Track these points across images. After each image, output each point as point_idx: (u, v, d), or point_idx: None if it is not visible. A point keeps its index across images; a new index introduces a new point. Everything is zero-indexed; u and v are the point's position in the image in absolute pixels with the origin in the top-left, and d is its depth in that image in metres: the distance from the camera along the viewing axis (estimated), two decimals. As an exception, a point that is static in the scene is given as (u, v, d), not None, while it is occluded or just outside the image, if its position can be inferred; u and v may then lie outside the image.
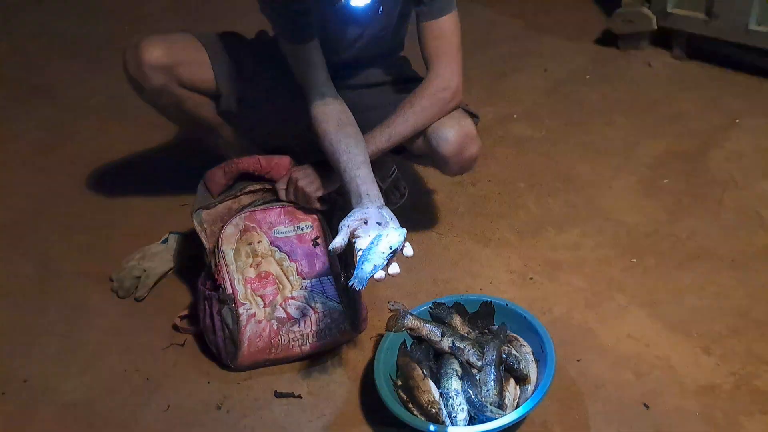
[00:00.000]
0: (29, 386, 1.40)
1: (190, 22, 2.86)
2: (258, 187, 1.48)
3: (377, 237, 1.10)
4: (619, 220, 1.70)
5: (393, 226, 1.15)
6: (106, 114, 2.28)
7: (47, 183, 2.01)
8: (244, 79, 1.58)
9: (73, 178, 1.99)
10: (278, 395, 1.33)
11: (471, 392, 1.19)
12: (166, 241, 1.66)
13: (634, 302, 1.47)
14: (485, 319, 1.36)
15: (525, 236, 1.68)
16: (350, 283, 1.07)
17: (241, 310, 1.36)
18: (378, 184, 1.69)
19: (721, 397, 1.25)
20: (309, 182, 1.42)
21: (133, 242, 1.68)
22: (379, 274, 1.08)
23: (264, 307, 1.38)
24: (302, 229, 1.44)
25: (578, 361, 1.34)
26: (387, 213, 1.19)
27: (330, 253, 1.41)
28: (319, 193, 1.42)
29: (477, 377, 1.22)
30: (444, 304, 1.37)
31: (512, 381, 1.25)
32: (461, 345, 1.25)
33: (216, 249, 1.40)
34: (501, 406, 1.20)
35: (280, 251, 1.42)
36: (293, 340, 1.37)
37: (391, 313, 1.31)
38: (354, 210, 1.21)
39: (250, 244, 1.41)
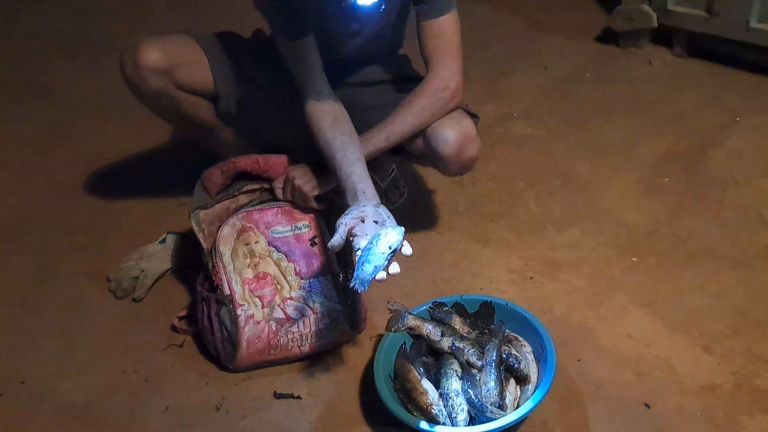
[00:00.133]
0: (27, 387, 1.40)
1: (189, 21, 2.85)
2: (256, 186, 1.47)
3: (376, 236, 1.09)
4: (619, 220, 1.69)
5: (390, 224, 1.15)
6: (105, 113, 2.28)
7: (45, 183, 2.00)
8: (243, 80, 1.57)
9: (72, 177, 1.99)
10: (277, 396, 1.33)
11: (471, 392, 1.18)
12: (164, 241, 1.65)
13: (635, 302, 1.46)
14: (485, 319, 1.35)
15: (525, 236, 1.67)
16: (351, 285, 1.07)
17: (239, 311, 1.35)
18: (377, 184, 1.70)
19: (721, 397, 1.25)
20: (306, 181, 1.42)
21: (131, 242, 1.68)
22: (381, 275, 1.08)
23: (262, 308, 1.37)
24: (300, 228, 1.44)
25: (578, 360, 1.34)
26: (384, 211, 1.19)
27: (328, 251, 1.40)
28: (317, 192, 1.42)
29: (477, 377, 1.22)
30: (444, 303, 1.36)
31: (512, 381, 1.25)
32: (461, 345, 1.25)
33: (213, 250, 1.39)
34: (501, 406, 1.19)
35: (278, 251, 1.41)
36: (292, 341, 1.36)
37: (391, 313, 1.30)
38: (350, 208, 1.20)
39: (247, 244, 1.40)
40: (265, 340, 1.35)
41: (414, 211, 1.75)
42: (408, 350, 1.31)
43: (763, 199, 1.70)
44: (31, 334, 1.52)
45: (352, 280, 1.07)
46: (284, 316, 1.37)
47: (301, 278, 1.40)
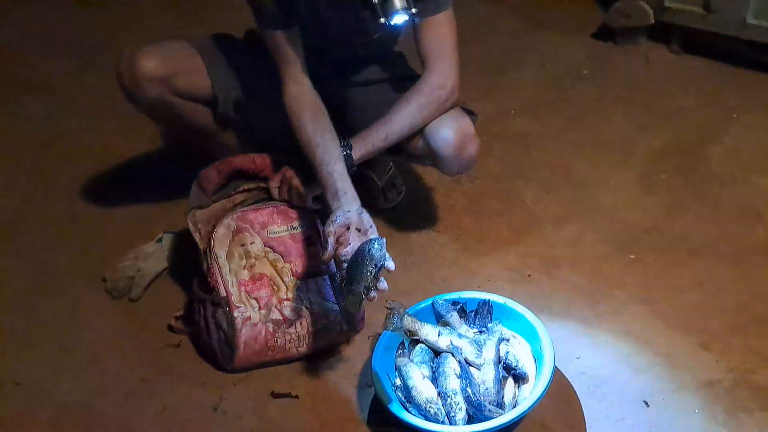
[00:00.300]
0: (23, 389, 1.39)
1: (184, 19, 2.84)
2: (252, 186, 1.46)
3: (360, 253, 1.14)
4: (617, 217, 1.69)
5: (372, 234, 1.21)
6: (100, 112, 2.26)
7: (40, 182, 1.99)
8: (241, 83, 1.56)
9: (67, 177, 1.97)
10: (275, 396, 1.32)
11: (470, 391, 1.18)
12: (160, 240, 1.64)
13: (633, 299, 1.46)
14: (484, 317, 1.35)
15: (523, 233, 1.67)
16: (344, 305, 1.12)
17: (235, 313, 1.34)
18: (375, 182, 1.70)
19: (720, 394, 1.25)
20: (302, 180, 1.41)
21: (127, 242, 1.66)
22: (371, 294, 1.14)
23: (259, 309, 1.36)
24: (295, 228, 1.43)
25: (577, 358, 1.34)
26: (366, 218, 1.24)
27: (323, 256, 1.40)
28: (313, 192, 1.41)
29: (476, 376, 1.21)
30: (442, 302, 1.36)
31: (511, 380, 1.25)
32: (459, 344, 1.24)
33: (209, 251, 1.38)
34: (500, 405, 1.19)
35: (274, 252, 1.41)
36: (290, 342, 1.36)
37: (389, 312, 1.30)
38: (335, 214, 1.24)
39: (242, 245, 1.40)
40: (262, 341, 1.35)
41: (412, 210, 1.75)
42: (406, 349, 1.31)
43: (761, 195, 1.70)
44: (26, 334, 1.51)
45: (343, 301, 1.11)
46: (281, 318, 1.36)
47: (298, 279, 1.40)
